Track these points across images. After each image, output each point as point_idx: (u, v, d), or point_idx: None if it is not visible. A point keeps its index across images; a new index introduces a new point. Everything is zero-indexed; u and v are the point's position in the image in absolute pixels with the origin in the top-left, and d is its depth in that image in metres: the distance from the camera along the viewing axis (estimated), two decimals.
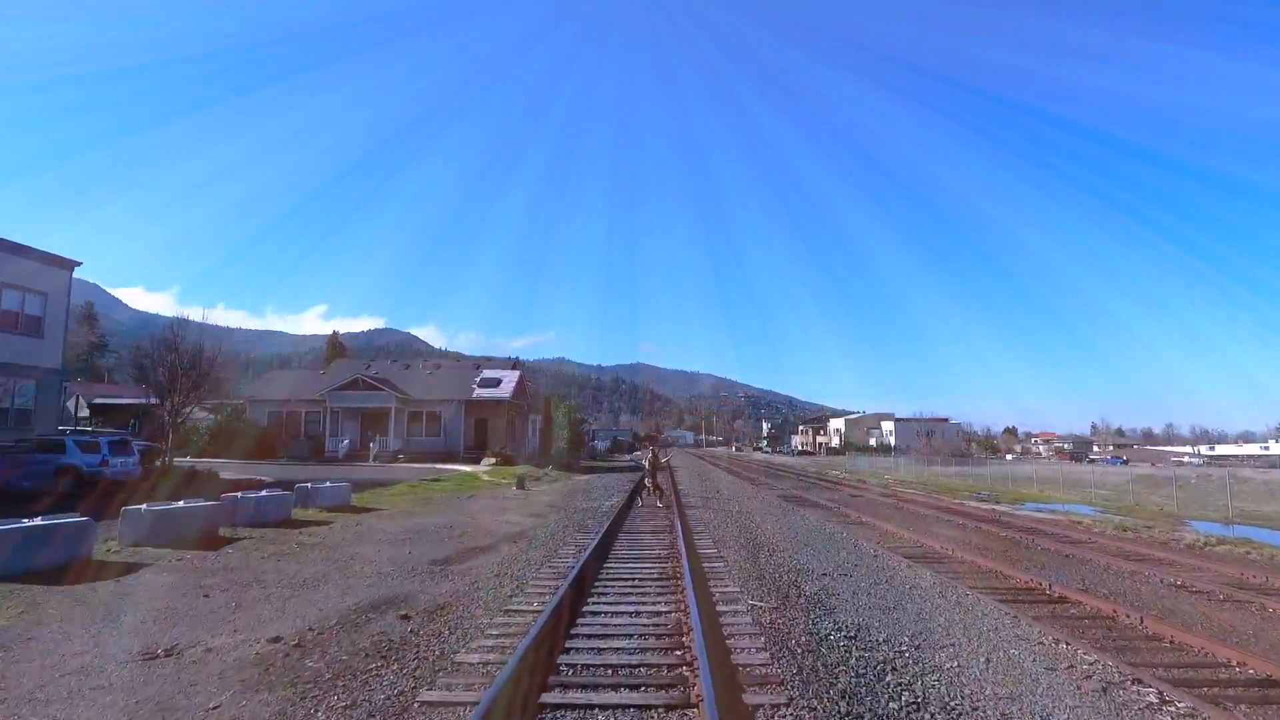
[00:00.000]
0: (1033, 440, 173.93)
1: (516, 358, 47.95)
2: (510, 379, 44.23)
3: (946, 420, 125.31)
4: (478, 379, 44.34)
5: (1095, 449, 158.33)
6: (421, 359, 49.96)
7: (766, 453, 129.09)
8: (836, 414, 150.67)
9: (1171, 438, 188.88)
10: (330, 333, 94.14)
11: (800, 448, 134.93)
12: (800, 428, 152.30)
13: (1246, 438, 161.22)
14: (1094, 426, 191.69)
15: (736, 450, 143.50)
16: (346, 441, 40.20)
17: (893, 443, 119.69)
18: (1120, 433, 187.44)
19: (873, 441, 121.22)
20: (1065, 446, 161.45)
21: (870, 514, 20.27)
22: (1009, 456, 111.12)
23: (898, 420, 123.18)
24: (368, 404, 40.81)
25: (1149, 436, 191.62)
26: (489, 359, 48.18)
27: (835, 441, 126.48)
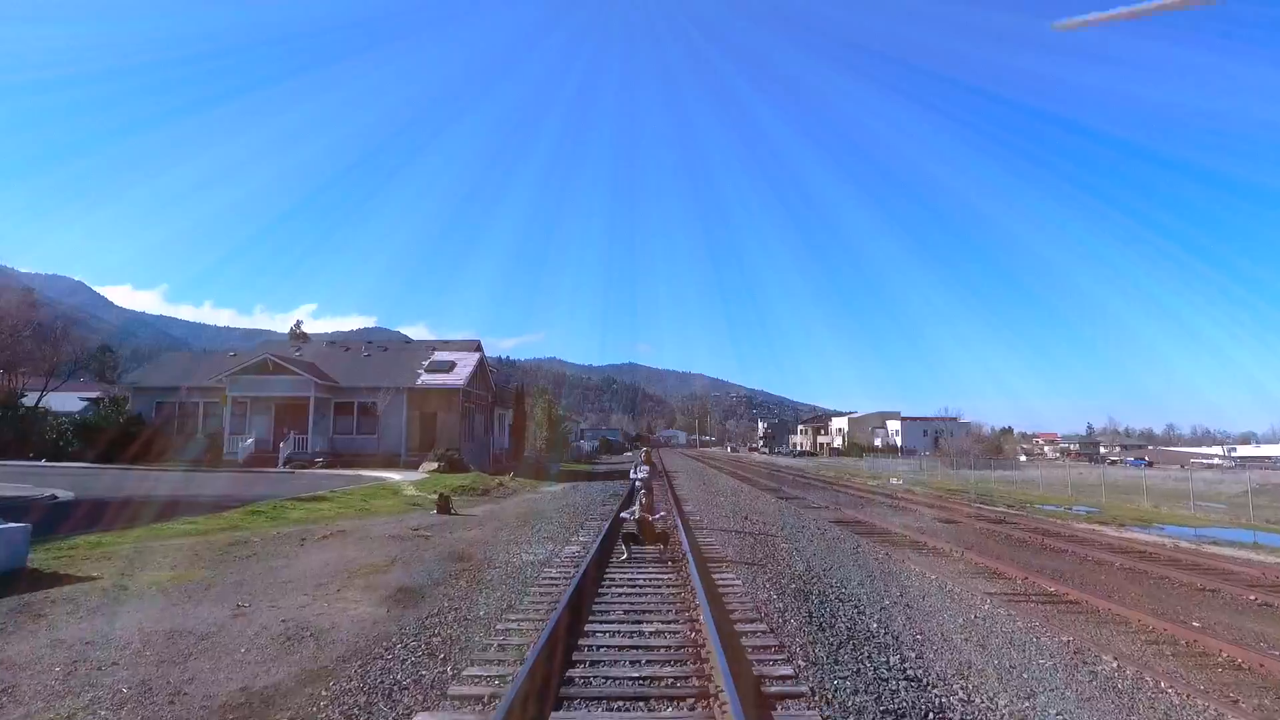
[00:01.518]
0: (1035, 441, 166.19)
1: (478, 339, 38.63)
2: (467, 362, 34.93)
3: (955, 419, 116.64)
4: (426, 363, 34.99)
5: (1102, 449, 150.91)
6: (365, 341, 40.52)
7: (764, 453, 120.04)
8: (830, 414, 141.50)
9: (1172, 438, 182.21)
10: (293, 325, 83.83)
11: (800, 448, 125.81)
12: (800, 427, 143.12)
13: (1248, 438, 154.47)
14: (1089, 427, 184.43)
15: (732, 451, 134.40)
16: (250, 441, 30.77)
17: (899, 443, 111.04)
18: (1125, 433, 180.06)
19: (878, 442, 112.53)
20: (1072, 447, 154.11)
21: (1036, 571, 11.20)
22: (1023, 458, 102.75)
23: (904, 419, 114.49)
24: (279, 392, 31.40)
25: (1149, 437, 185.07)
26: (446, 341, 38.86)
27: (838, 442, 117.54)
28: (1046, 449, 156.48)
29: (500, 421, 43.58)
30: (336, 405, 32.79)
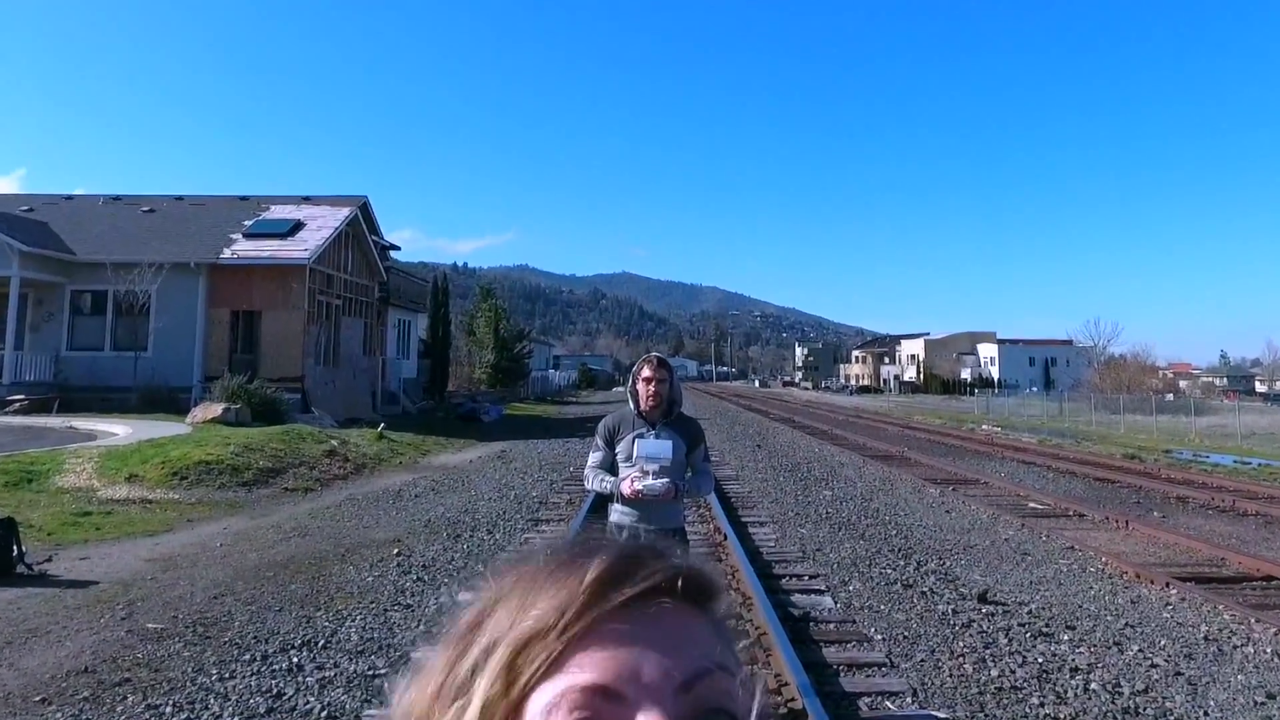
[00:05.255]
0: (1164, 374, 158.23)
1: (364, 197, 28.31)
2: (324, 223, 24.56)
3: (1070, 343, 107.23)
4: (249, 223, 24.72)
5: (1259, 384, 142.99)
6: (174, 197, 29.67)
7: (806, 389, 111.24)
8: (896, 338, 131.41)
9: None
10: None
11: (858, 382, 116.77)
12: (855, 354, 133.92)
13: None
14: (1223, 355, 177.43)
15: (762, 385, 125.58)
16: None
17: (995, 374, 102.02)
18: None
19: (965, 373, 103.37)
20: (1217, 381, 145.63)
21: None
22: (1169, 396, 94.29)
23: (1001, 342, 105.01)
24: None
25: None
26: (306, 197, 28.39)
27: (910, 373, 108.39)
28: (1182, 384, 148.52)
29: (404, 335, 33.73)
30: (77, 297, 22.77)
